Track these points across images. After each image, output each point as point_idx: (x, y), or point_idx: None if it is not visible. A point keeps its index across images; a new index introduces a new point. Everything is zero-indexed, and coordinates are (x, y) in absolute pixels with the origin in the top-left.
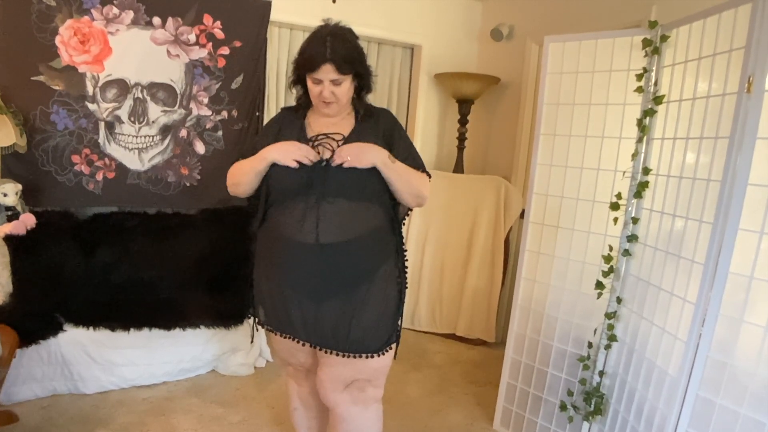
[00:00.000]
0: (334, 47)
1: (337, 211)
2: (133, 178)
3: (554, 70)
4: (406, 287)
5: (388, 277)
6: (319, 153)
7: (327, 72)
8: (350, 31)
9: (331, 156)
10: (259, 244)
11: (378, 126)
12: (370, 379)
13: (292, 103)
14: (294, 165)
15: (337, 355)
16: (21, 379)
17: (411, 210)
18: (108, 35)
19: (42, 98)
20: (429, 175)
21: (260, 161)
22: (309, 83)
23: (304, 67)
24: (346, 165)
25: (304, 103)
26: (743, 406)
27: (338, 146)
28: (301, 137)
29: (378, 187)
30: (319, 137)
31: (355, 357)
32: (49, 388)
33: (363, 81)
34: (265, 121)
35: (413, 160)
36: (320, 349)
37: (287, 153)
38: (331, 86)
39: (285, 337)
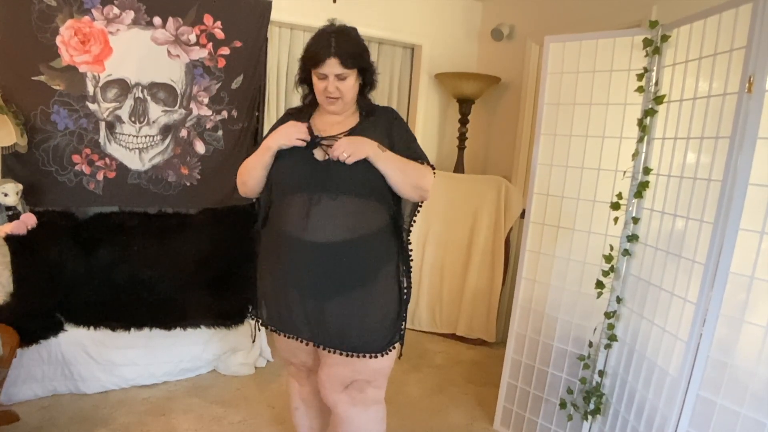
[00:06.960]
0: (339, 43)
1: (341, 210)
2: (134, 178)
3: (555, 70)
4: (410, 288)
5: (391, 277)
6: (324, 151)
7: (332, 66)
8: (354, 29)
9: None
10: (263, 243)
11: (378, 122)
12: (370, 380)
13: (292, 103)
14: (300, 144)
15: (340, 354)
16: (21, 379)
17: (419, 208)
18: (108, 35)
19: (42, 98)
20: (432, 167)
21: (264, 151)
22: (314, 80)
23: (309, 62)
24: (345, 160)
25: (310, 102)
26: (744, 406)
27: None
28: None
29: (379, 183)
30: (325, 138)
31: (357, 357)
32: (49, 388)
33: (367, 77)
34: (266, 121)
35: (412, 152)
36: (323, 348)
37: (289, 135)
38: (336, 81)
39: (288, 337)
